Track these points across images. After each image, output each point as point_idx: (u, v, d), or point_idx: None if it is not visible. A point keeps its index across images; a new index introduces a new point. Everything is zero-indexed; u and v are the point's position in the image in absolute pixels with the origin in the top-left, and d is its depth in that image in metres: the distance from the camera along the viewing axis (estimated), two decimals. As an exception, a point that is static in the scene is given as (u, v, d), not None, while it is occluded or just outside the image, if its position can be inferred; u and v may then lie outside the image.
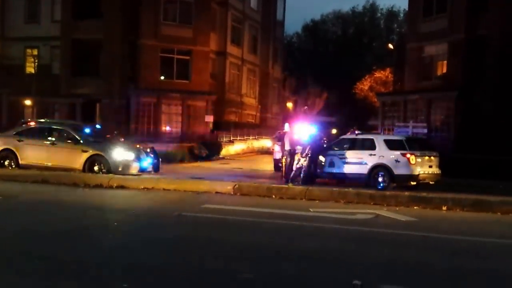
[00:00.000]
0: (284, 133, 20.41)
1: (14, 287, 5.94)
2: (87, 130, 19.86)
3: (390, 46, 52.00)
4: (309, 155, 18.63)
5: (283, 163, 19.51)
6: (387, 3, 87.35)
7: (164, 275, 6.53)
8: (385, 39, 72.65)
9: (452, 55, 29.92)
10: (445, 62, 31.29)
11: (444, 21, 30.67)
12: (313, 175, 18.82)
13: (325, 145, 20.52)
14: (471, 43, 28.39)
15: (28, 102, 38.51)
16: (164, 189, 15.39)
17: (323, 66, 69.21)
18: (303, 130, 20.22)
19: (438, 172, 18.50)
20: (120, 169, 17.87)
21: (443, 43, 30.65)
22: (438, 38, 30.77)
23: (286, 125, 21.01)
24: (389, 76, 51.95)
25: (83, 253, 7.59)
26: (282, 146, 19.99)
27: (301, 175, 18.50)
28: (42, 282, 6.15)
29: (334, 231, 10.18)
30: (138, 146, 20.73)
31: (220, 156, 35.34)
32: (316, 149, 19.12)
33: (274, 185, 16.27)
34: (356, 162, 18.45)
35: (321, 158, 19.04)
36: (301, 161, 18.74)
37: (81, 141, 18.56)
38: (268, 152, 36.97)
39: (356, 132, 20.51)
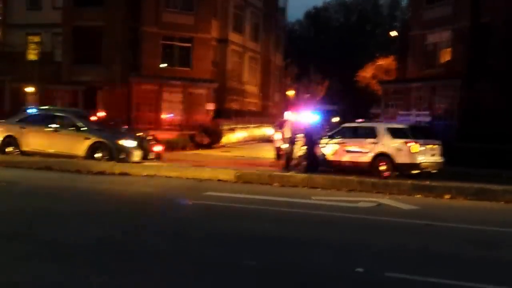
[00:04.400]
0: (285, 121, 20.41)
1: (16, 269, 5.96)
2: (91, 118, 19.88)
3: (393, 33, 51.74)
4: (305, 145, 18.65)
5: (284, 151, 19.52)
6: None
7: (167, 262, 6.54)
8: (388, 26, 72.24)
9: (456, 43, 29.76)
10: (448, 49, 31.12)
11: (448, 8, 30.48)
12: (314, 163, 18.79)
13: (321, 134, 20.48)
14: (475, 30, 28.21)
15: (30, 89, 38.45)
16: (166, 177, 15.42)
17: (325, 54, 68.99)
18: (304, 118, 20.20)
19: (441, 161, 18.45)
20: (122, 156, 17.89)
21: (447, 30, 30.48)
22: (442, 25, 30.60)
23: (288, 113, 21.01)
24: (392, 64, 51.71)
25: (84, 238, 7.63)
26: (283, 134, 19.97)
27: (303, 163, 18.52)
28: (42, 264, 6.17)
29: (336, 219, 10.19)
30: (140, 133, 20.73)
31: (221, 144, 35.30)
32: (312, 139, 19.09)
33: (276, 172, 16.28)
34: (358, 151, 18.43)
35: (321, 147, 19.00)
36: (302, 150, 18.75)
37: (84, 128, 18.59)
38: (269, 140, 36.88)
39: (358, 120, 20.45)
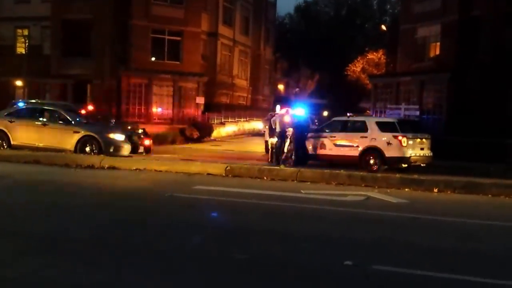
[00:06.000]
0: (275, 115, 20.42)
1: (10, 264, 5.94)
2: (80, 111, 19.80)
3: (383, 27, 51.83)
4: (292, 138, 18.69)
5: (270, 145, 19.56)
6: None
7: (157, 256, 6.54)
8: (378, 20, 72.39)
9: (445, 37, 29.81)
10: (438, 43, 31.17)
11: (438, 2, 30.49)
12: (303, 157, 18.84)
13: (309, 128, 20.53)
14: (465, 24, 28.25)
15: (19, 82, 38.20)
16: (155, 170, 15.39)
17: (315, 48, 68.88)
18: (294, 112, 20.23)
19: (429, 155, 18.57)
20: (111, 150, 17.86)
21: (436, 24, 30.51)
22: (431, 19, 30.63)
23: (278, 107, 21.01)
24: (382, 58, 51.81)
25: (75, 231, 7.61)
26: (270, 128, 19.99)
27: (292, 157, 18.57)
28: (37, 259, 6.15)
29: (326, 213, 10.22)
30: (129, 127, 20.70)
31: (211, 138, 35.33)
32: (301, 133, 19.12)
33: (265, 166, 16.31)
34: (348, 144, 18.49)
35: (310, 141, 19.04)
36: (291, 143, 18.80)
37: (73, 122, 18.54)
38: (259, 134, 36.97)
39: (348, 114, 20.50)
